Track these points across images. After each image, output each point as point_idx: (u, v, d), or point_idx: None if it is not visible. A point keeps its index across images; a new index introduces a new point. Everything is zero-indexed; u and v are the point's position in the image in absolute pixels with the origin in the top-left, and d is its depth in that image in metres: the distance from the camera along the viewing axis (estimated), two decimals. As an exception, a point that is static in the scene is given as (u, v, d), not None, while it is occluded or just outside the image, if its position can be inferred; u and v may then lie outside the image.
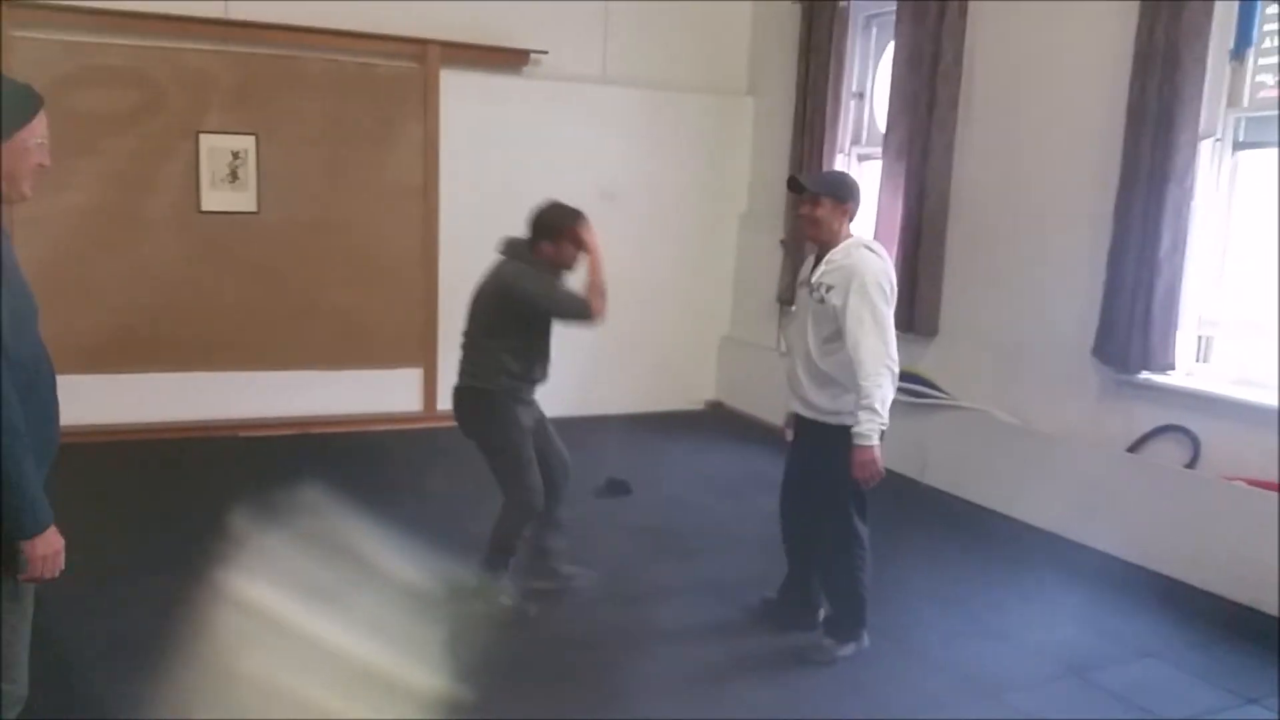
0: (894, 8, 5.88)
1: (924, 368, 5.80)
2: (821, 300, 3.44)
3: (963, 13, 5.48)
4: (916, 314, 5.73)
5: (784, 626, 3.83)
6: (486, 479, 3.99)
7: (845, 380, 3.43)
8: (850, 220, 3.55)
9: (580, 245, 3.81)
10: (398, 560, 3.57)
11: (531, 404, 3.95)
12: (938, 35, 5.55)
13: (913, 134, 5.72)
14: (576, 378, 7.11)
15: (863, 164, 6.59)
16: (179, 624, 3.06)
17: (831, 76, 6.40)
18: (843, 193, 3.51)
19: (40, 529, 2.07)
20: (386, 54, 6.33)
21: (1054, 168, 5.12)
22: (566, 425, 6.81)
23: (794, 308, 3.72)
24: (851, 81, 6.56)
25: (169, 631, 3.04)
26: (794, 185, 3.60)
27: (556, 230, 3.79)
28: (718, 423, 7.19)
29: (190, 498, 4.97)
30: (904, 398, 5.78)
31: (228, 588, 3.25)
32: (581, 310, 3.75)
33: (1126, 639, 3.91)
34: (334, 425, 6.36)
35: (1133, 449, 4.75)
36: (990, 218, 5.47)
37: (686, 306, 7.36)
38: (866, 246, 3.49)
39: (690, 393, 7.36)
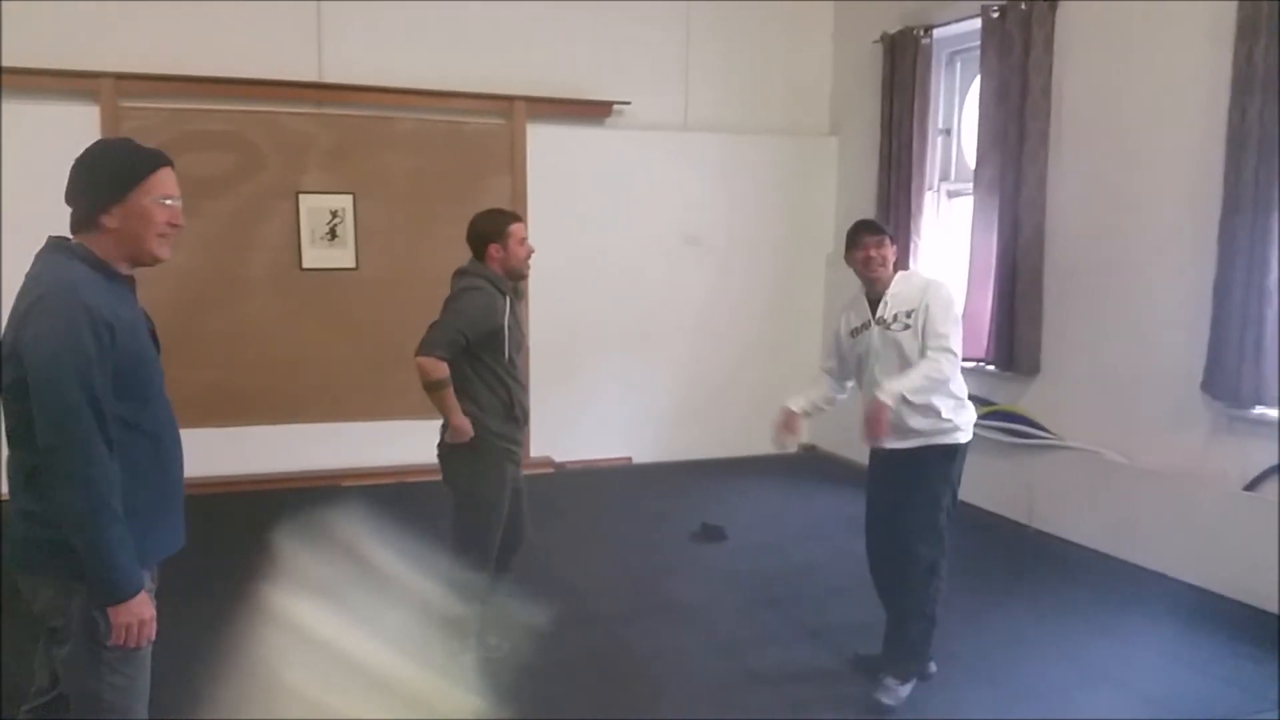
0: (978, 43, 5.82)
1: (1026, 407, 5.65)
2: (906, 327, 3.48)
3: (1049, 45, 5.39)
4: (1016, 352, 5.59)
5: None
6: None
7: (939, 395, 3.45)
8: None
9: (523, 241, 3.57)
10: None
11: (517, 461, 3.68)
12: (1024, 69, 5.47)
13: (1003, 169, 5.62)
14: (668, 423, 7.14)
15: (952, 200, 6.50)
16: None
17: (916, 113, 6.34)
18: (892, 233, 3.67)
19: (123, 598, 2.07)
20: (474, 111, 6.49)
21: (1152, 198, 4.97)
22: (659, 470, 6.91)
23: (858, 353, 3.67)
24: (937, 118, 6.49)
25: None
26: (872, 228, 3.62)
27: (498, 232, 3.52)
28: (811, 466, 7.10)
29: (295, 545, 5.06)
30: (1006, 439, 5.67)
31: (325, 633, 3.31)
32: (428, 342, 3.40)
33: (1255, 687, 3.71)
34: (431, 474, 6.42)
35: (1250, 487, 4.52)
36: (1088, 251, 5.32)
37: (776, 349, 7.31)
38: (917, 273, 3.69)
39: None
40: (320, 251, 6.24)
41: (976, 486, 5.93)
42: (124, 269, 2.19)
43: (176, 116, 5.92)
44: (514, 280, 3.60)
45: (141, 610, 2.11)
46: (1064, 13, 5.36)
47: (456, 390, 3.45)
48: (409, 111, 6.36)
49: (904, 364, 3.47)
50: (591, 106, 6.74)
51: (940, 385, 3.42)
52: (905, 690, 3.56)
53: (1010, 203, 5.59)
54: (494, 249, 3.51)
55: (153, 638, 2.17)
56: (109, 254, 2.15)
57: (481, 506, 3.54)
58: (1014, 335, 5.59)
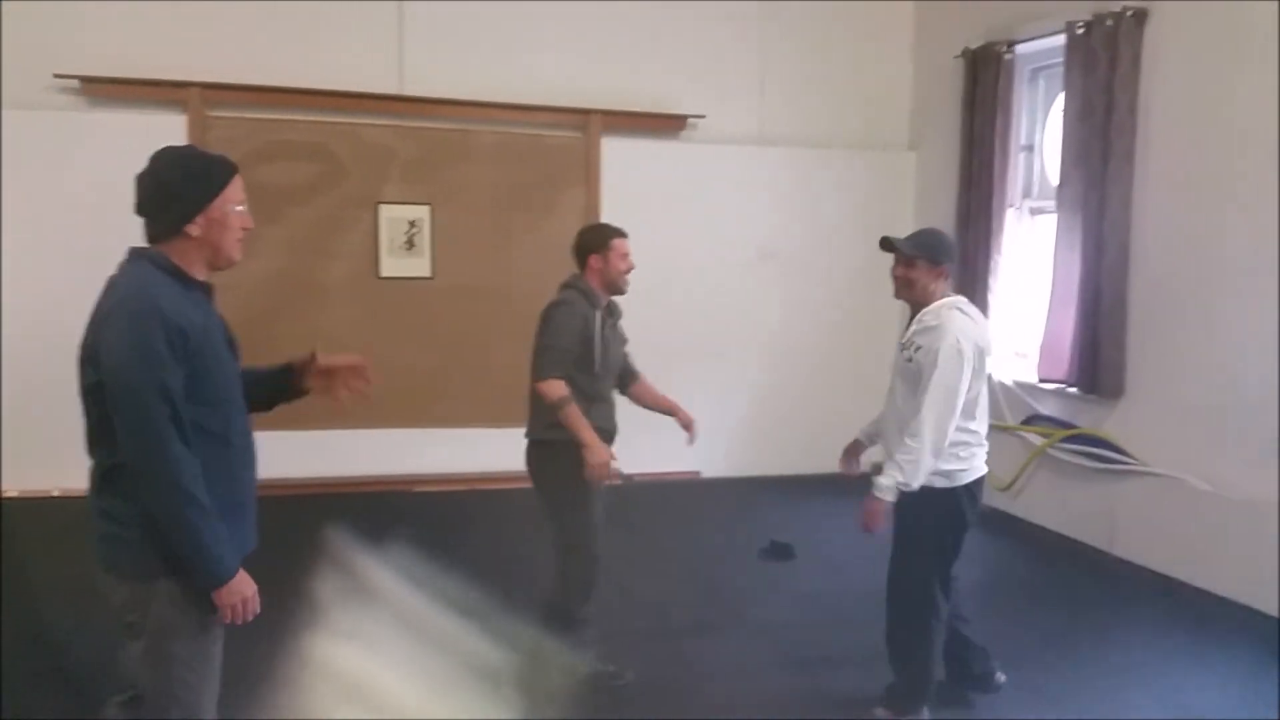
0: (1062, 59, 5.70)
1: (1109, 431, 5.49)
2: (910, 360, 3.35)
3: (1136, 61, 5.25)
4: (1099, 374, 5.44)
5: (957, 699, 3.62)
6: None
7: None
8: (944, 280, 3.43)
9: (625, 256, 3.66)
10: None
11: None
12: (1109, 85, 5.33)
13: (1087, 187, 5.49)
14: (738, 438, 7.09)
15: (1034, 217, 6.36)
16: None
17: (998, 129, 6.23)
18: (937, 254, 3.40)
19: (223, 581, 2.15)
20: (550, 124, 6.55)
21: (1242, 218, 4.79)
22: (729, 485, 6.86)
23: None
24: (1020, 134, 6.36)
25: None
26: (886, 245, 3.48)
27: (600, 243, 3.64)
28: (882, 486, 6.98)
29: (366, 549, 5.12)
30: (1088, 463, 5.52)
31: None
32: (540, 369, 3.47)
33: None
34: (504, 481, 6.47)
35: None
36: (1175, 271, 5.16)
37: (849, 366, 7.20)
38: (958, 308, 3.37)
39: (853, 454, 7.16)
40: (397, 260, 6.34)
41: (1056, 511, 5.82)
42: (201, 275, 2.25)
43: (261, 126, 6.07)
44: (611, 294, 3.67)
45: (243, 588, 2.19)
46: (1152, 29, 5.22)
47: (536, 400, 3.53)
48: (486, 124, 6.44)
49: (906, 394, 3.36)
50: (666, 120, 6.75)
51: (931, 461, 3.24)
52: None
53: (1094, 222, 5.45)
54: (595, 260, 3.61)
55: (258, 611, 2.24)
56: (189, 261, 2.21)
57: (575, 507, 3.55)
58: (1097, 357, 5.44)
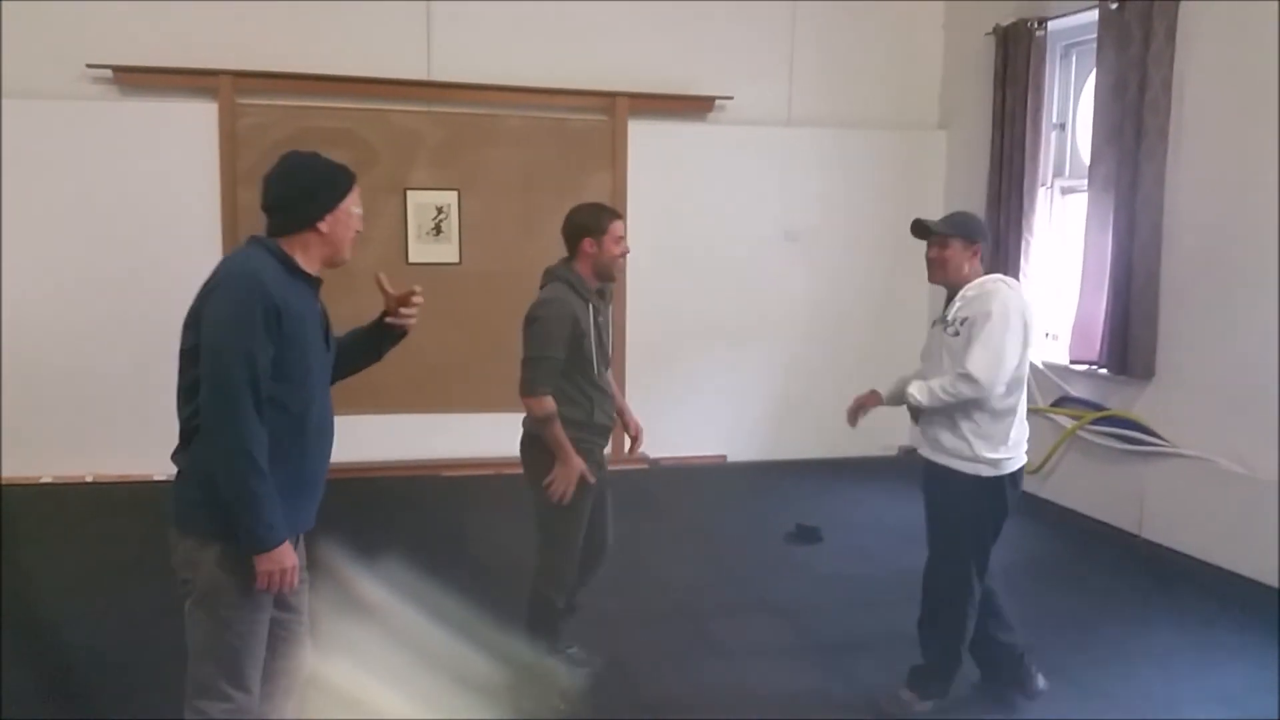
0: (1094, 36, 5.61)
1: (1139, 412, 5.43)
2: (956, 333, 3.31)
3: (1170, 37, 5.16)
4: (1130, 355, 5.37)
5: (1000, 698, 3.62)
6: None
7: (976, 416, 3.29)
8: (978, 259, 3.40)
9: (619, 240, 3.42)
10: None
11: (600, 464, 3.53)
12: (1143, 62, 5.24)
13: (1120, 166, 5.41)
14: (765, 421, 7.09)
15: (1066, 197, 6.28)
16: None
17: (1030, 107, 6.15)
18: (972, 232, 3.39)
19: (267, 548, 2.24)
20: (577, 108, 6.55)
21: (1275, 196, 4.70)
22: (756, 469, 6.87)
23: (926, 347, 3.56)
24: (1051, 112, 6.28)
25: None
26: (920, 230, 3.45)
27: (596, 225, 3.39)
28: (911, 469, 6.93)
29: (392, 534, 5.20)
30: (1118, 444, 5.47)
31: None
32: (529, 380, 3.31)
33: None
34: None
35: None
36: (1207, 251, 5.08)
37: (877, 349, 7.16)
38: (1003, 281, 3.36)
39: (883, 438, 7.12)
40: (426, 246, 6.39)
41: (1085, 493, 5.78)
42: (314, 269, 2.42)
43: (291, 113, 6.13)
44: (602, 280, 3.46)
45: (284, 559, 2.28)
46: (1187, 3, 5.11)
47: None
48: (513, 109, 6.46)
49: (952, 369, 3.32)
50: (693, 102, 6.72)
51: (952, 403, 3.26)
52: (919, 707, 3.45)
53: (1126, 201, 5.37)
54: (589, 243, 3.37)
55: (294, 585, 2.34)
56: (309, 255, 2.40)
57: (548, 508, 3.40)
58: (1128, 338, 5.38)
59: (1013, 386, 3.30)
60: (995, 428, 3.30)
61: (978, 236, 3.40)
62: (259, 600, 2.33)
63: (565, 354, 3.32)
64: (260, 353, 2.21)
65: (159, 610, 3.89)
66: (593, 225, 3.39)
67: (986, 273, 3.43)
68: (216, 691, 2.31)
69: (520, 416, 3.52)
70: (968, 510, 3.36)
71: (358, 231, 2.46)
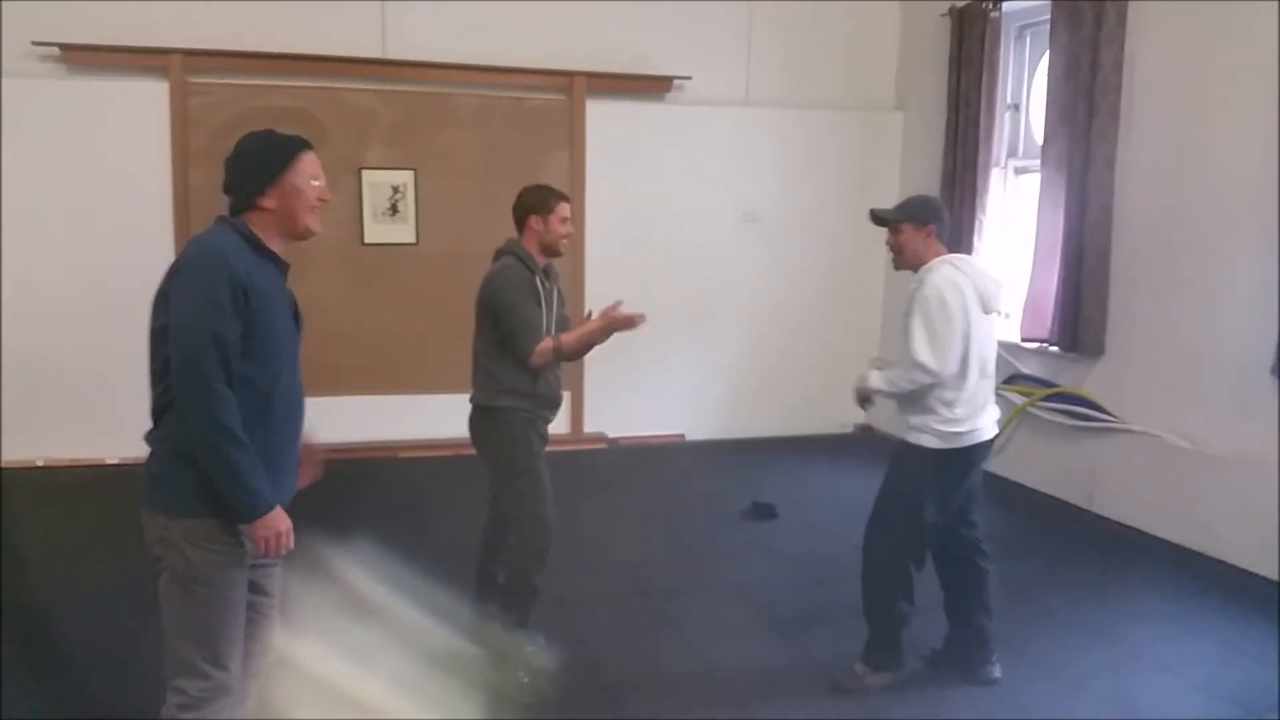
0: (1048, 16, 5.67)
1: (1089, 389, 5.53)
2: (907, 314, 3.39)
3: (1121, 18, 5.23)
4: (1080, 333, 5.47)
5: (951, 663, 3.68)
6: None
7: (914, 397, 3.37)
8: (935, 239, 3.45)
9: (565, 220, 3.60)
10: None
11: (546, 435, 3.65)
12: (1095, 42, 5.31)
13: (1072, 146, 5.48)
14: (723, 401, 7.14)
15: (1020, 177, 6.36)
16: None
17: (984, 88, 6.21)
18: (922, 214, 3.46)
19: (258, 515, 2.26)
20: (534, 87, 6.52)
21: (1224, 177, 4.80)
22: (713, 447, 6.91)
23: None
24: (1006, 93, 6.35)
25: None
26: (876, 219, 3.57)
27: (542, 204, 3.57)
28: (866, 447, 7.04)
29: (349, 516, 5.18)
30: (1068, 421, 5.57)
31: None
32: (524, 346, 3.41)
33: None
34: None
35: (1323, 475, 4.39)
36: (1157, 231, 5.18)
37: (835, 328, 7.25)
38: (948, 262, 3.40)
39: (839, 416, 7.20)
40: (382, 226, 6.34)
41: (1037, 469, 5.88)
42: (279, 248, 2.42)
43: (243, 92, 6.04)
44: (549, 257, 3.63)
45: (277, 523, 2.29)
46: (1138, -16, 5.20)
47: (485, 367, 3.53)
48: (470, 88, 6.41)
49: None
50: (651, 82, 6.71)
51: (913, 389, 3.32)
52: (873, 679, 3.50)
53: (1078, 181, 5.45)
54: (535, 220, 3.56)
55: (291, 548, 2.35)
56: (268, 233, 2.39)
57: (519, 473, 3.51)
58: (1079, 316, 5.47)
59: (969, 362, 3.34)
60: (936, 401, 3.34)
61: (928, 218, 3.44)
62: (233, 578, 2.33)
63: (540, 313, 3.46)
64: (228, 330, 2.22)
65: (114, 594, 3.88)
66: (539, 205, 3.58)
67: (949, 252, 3.48)
68: (194, 669, 2.30)
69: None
70: (903, 480, 3.42)
71: (321, 200, 2.44)
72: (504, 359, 3.48)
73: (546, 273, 3.63)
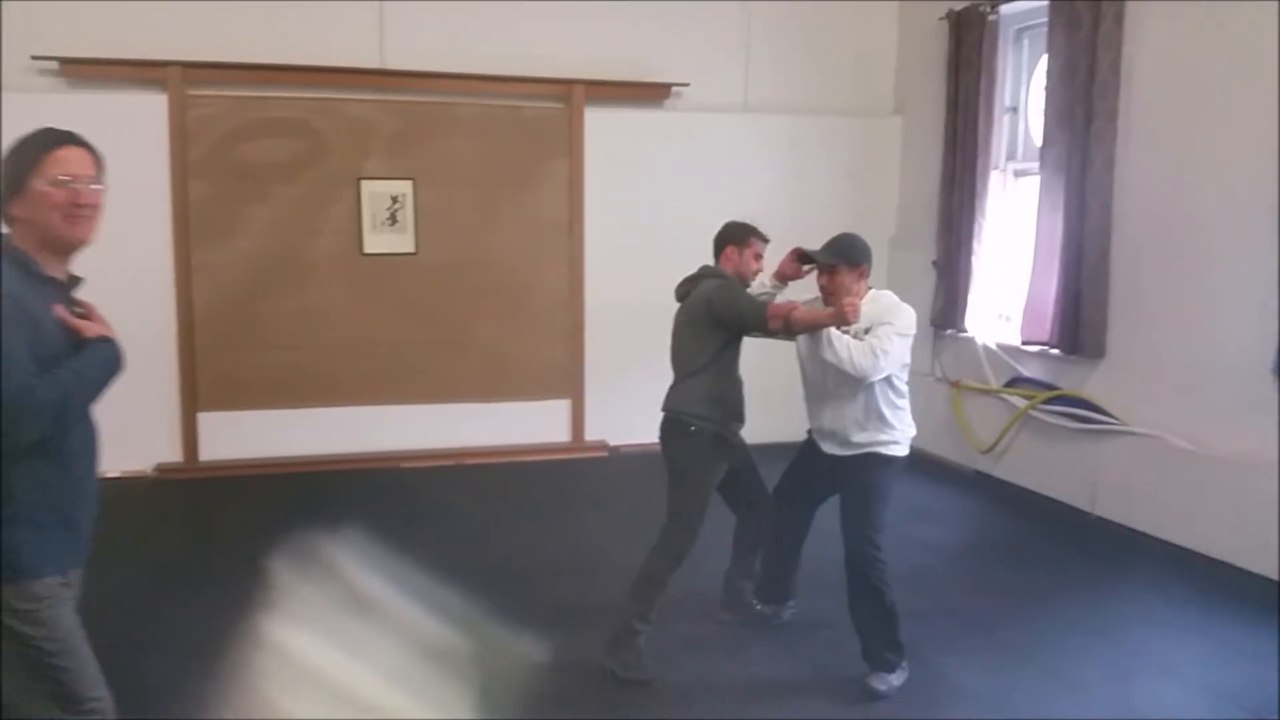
0: (1046, 19, 5.67)
1: (1089, 391, 5.51)
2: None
3: (1119, 20, 5.23)
4: (1081, 335, 5.46)
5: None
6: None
7: (887, 414, 3.57)
8: (863, 280, 3.58)
9: (759, 257, 3.88)
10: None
11: (736, 446, 3.90)
12: (1092, 45, 5.31)
13: (1070, 148, 5.48)
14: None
15: (1019, 180, 6.35)
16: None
17: (983, 92, 6.21)
18: (855, 256, 3.55)
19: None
20: (533, 95, 6.53)
21: (1223, 178, 4.80)
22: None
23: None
24: (1004, 96, 6.34)
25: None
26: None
27: (741, 237, 3.85)
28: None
29: (355, 527, 5.17)
30: (1070, 423, 5.55)
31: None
32: (759, 315, 3.59)
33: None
34: (487, 456, 6.52)
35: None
36: (1157, 233, 5.16)
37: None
38: (888, 293, 3.61)
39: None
40: (381, 236, 6.34)
41: (1038, 471, 5.86)
42: (49, 261, 2.13)
43: (243, 104, 6.06)
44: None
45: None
46: (1136, -13, 5.19)
47: (698, 367, 3.76)
48: (468, 97, 6.42)
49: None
50: (650, 89, 6.72)
51: (851, 366, 3.42)
52: (895, 679, 3.54)
53: (1077, 183, 5.44)
54: (731, 250, 3.83)
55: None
56: (30, 247, 2.10)
57: (682, 487, 3.72)
58: (1079, 318, 5.46)
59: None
60: (890, 413, 3.62)
61: (861, 260, 3.56)
62: (57, 618, 2.11)
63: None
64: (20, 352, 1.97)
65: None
66: (737, 238, 3.86)
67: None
68: (74, 700, 2.15)
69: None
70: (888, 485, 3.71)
71: (80, 205, 2.12)
72: (707, 370, 3.72)
73: None
